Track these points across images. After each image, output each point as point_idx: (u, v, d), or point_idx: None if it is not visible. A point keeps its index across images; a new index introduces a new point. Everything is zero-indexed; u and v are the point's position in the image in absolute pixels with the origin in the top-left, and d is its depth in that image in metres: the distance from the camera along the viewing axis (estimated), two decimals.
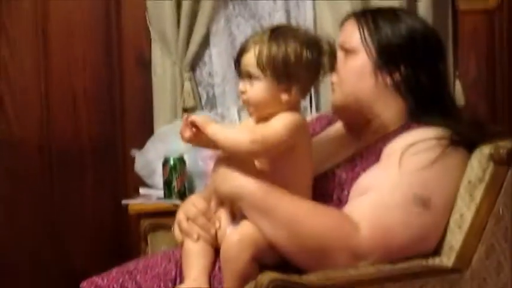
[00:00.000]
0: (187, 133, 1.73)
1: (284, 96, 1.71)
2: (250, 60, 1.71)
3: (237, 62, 1.75)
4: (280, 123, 1.69)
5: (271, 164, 1.73)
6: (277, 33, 1.73)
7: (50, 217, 3.21)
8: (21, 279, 3.21)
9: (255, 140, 1.65)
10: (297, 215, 1.69)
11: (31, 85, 3.19)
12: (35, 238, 3.21)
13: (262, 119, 1.73)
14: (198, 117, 1.71)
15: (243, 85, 1.74)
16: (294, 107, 1.73)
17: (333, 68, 1.78)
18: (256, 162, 1.75)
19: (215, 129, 1.68)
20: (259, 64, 1.70)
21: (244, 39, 1.78)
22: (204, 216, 1.80)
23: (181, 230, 1.83)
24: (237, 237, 1.69)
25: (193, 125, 1.71)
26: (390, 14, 1.92)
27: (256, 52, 1.70)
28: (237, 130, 1.73)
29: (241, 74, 1.75)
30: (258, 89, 1.71)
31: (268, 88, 1.71)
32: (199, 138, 1.72)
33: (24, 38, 3.17)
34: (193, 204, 1.84)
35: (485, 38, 3.32)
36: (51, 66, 3.19)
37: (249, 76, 1.72)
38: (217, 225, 1.78)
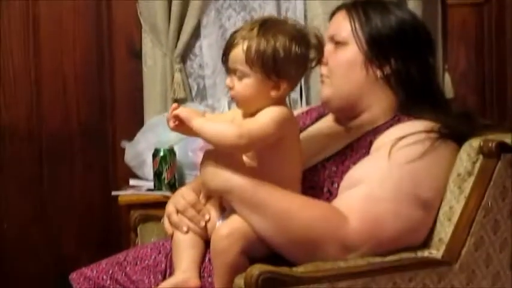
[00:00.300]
0: (172, 124, 1.72)
1: (273, 93, 1.70)
2: (238, 56, 1.69)
3: (225, 56, 1.72)
4: (267, 117, 1.67)
5: (260, 157, 1.72)
6: (265, 27, 1.69)
7: (39, 203, 3.21)
8: (10, 266, 3.20)
9: (242, 135, 1.63)
10: (287, 209, 1.68)
11: (21, 71, 3.18)
12: (24, 224, 3.20)
13: (250, 113, 1.72)
14: (182, 110, 1.69)
15: (231, 81, 1.71)
16: (280, 100, 1.72)
17: (319, 61, 1.78)
18: (244, 155, 1.74)
19: (200, 124, 1.66)
20: (247, 60, 1.67)
21: (232, 33, 1.74)
22: (194, 208, 1.80)
23: (171, 222, 1.83)
24: (227, 230, 1.68)
25: (178, 118, 1.69)
26: (380, 5, 1.92)
27: (245, 48, 1.67)
28: (223, 124, 1.70)
29: (229, 69, 1.72)
30: (246, 85, 1.69)
31: (256, 84, 1.69)
32: (184, 129, 1.71)
33: (14, 23, 3.16)
34: (182, 197, 1.83)
35: (475, 31, 3.33)
36: (41, 53, 3.18)
37: (237, 72, 1.69)
38: (207, 217, 1.78)
